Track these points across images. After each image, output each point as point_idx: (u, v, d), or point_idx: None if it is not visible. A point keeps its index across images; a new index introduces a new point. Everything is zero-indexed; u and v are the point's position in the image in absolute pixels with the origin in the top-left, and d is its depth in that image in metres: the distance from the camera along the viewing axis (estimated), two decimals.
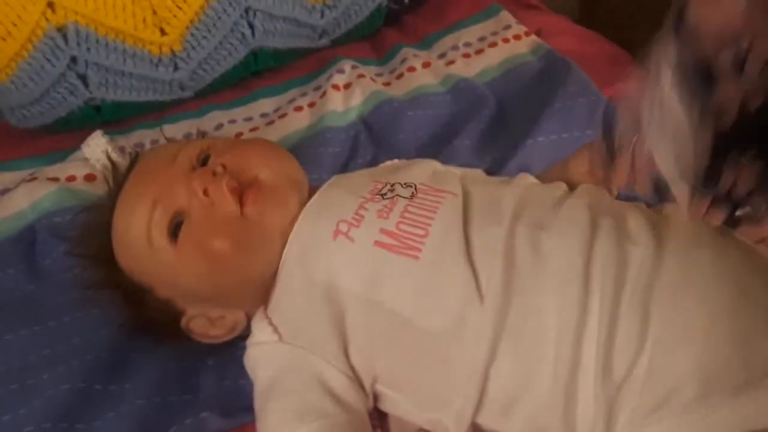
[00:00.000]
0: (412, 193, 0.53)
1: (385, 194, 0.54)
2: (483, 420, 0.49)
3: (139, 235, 0.55)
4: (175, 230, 0.54)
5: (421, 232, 0.50)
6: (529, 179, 0.57)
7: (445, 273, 0.48)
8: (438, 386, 0.49)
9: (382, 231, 0.50)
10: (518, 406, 0.47)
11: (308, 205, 0.55)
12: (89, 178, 0.77)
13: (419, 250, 0.49)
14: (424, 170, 0.59)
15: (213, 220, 0.53)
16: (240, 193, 0.54)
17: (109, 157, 0.74)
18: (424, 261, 0.49)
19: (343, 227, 0.51)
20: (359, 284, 0.50)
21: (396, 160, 0.68)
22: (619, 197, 0.56)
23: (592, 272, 0.46)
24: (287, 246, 0.53)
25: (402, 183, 0.55)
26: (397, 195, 0.53)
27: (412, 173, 0.58)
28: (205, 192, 0.53)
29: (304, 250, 0.52)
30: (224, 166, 0.55)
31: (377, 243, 0.50)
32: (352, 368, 0.51)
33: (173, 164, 0.57)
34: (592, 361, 0.45)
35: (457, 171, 0.65)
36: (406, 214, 0.51)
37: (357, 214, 0.52)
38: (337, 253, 0.51)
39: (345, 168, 0.79)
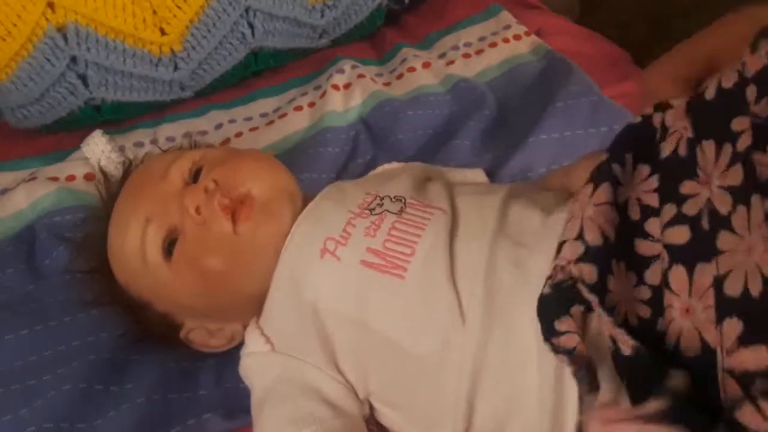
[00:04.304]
0: (401, 208, 0.53)
1: (374, 209, 0.53)
2: None
3: (133, 253, 0.55)
4: (169, 247, 0.54)
5: (408, 251, 0.49)
6: (520, 189, 0.56)
7: (430, 294, 0.48)
8: (428, 408, 0.49)
9: (369, 250, 0.50)
10: (509, 426, 0.46)
11: (297, 222, 0.54)
12: (89, 177, 0.77)
13: (405, 269, 0.49)
14: (416, 180, 0.58)
15: (206, 238, 0.53)
16: (232, 210, 0.53)
17: (100, 168, 0.74)
18: (410, 281, 0.48)
19: (330, 245, 0.51)
20: (346, 305, 0.49)
21: (394, 163, 0.68)
22: None
23: None
24: (278, 264, 0.53)
25: (392, 197, 0.54)
26: (386, 210, 0.53)
27: (402, 183, 0.57)
28: (197, 210, 0.53)
29: (292, 268, 0.52)
30: (216, 182, 0.55)
31: (363, 262, 0.49)
32: (345, 378, 0.51)
33: (165, 179, 0.57)
34: (576, 385, 0.43)
35: (454, 174, 0.65)
36: (393, 232, 0.51)
37: (344, 231, 0.51)
38: (324, 272, 0.50)
39: (345, 168, 0.79)
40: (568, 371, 0.43)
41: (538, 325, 0.44)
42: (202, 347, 0.58)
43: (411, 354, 0.48)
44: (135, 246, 0.55)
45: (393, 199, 0.54)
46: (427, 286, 0.48)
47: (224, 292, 0.54)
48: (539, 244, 0.48)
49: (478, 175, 0.69)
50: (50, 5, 0.78)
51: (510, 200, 0.53)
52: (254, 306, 0.54)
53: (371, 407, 0.53)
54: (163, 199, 0.55)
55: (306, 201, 0.57)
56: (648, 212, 0.44)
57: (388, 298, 0.49)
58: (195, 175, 0.57)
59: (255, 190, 0.55)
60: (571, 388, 0.44)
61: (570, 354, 0.42)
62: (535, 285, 0.46)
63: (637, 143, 0.46)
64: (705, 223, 0.39)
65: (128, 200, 0.58)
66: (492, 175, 0.71)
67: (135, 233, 0.55)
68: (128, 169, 0.65)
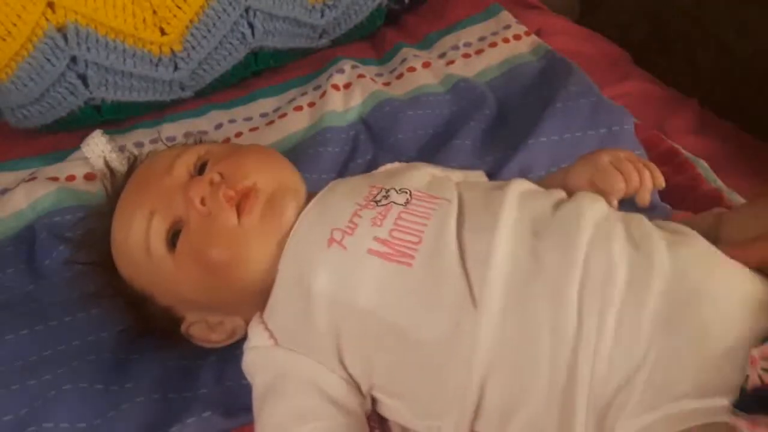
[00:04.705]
0: (407, 199, 0.53)
1: (380, 201, 0.53)
2: (482, 428, 0.48)
3: (137, 245, 0.55)
4: (173, 239, 0.54)
5: (415, 239, 0.50)
6: (526, 184, 0.56)
7: (439, 280, 0.48)
8: (434, 396, 0.49)
9: (376, 239, 0.50)
10: (516, 415, 0.47)
11: (304, 212, 0.54)
12: (89, 177, 0.77)
13: (412, 257, 0.49)
14: (421, 176, 0.58)
15: (210, 230, 0.53)
16: (237, 203, 0.53)
17: (107, 164, 0.74)
18: (418, 268, 0.49)
19: (337, 235, 0.51)
20: (353, 294, 0.49)
21: (396, 163, 0.68)
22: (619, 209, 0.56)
23: (588, 282, 0.46)
24: (283, 255, 0.53)
25: (397, 189, 0.54)
26: (392, 202, 0.53)
27: (408, 179, 0.57)
28: (202, 201, 0.53)
29: (299, 259, 0.52)
30: (221, 175, 0.55)
31: (371, 251, 0.50)
32: (348, 373, 0.51)
33: (170, 173, 0.56)
34: (587, 375, 0.44)
35: (456, 174, 0.65)
36: (400, 222, 0.51)
37: (351, 221, 0.51)
38: (331, 261, 0.50)
39: (345, 168, 0.79)
40: (581, 363, 0.44)
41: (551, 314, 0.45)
42: (202, 342, 0.58)
43: (419, 340, 0.48)
44: (139, 238, 0.55)
45: (398, 191, 0.54)
46: (437, 272, 0.48)
47: (227, 285, 0.54)
48: (551, 235, 0.49)
49: (479, 177, 0.69)
50: (50, 5, 0.78)
51: (516, 192, 0.53)
52: (257, 299, 0.54)
53: (373, 401, 0.53)
54: (168, 192, 0.55)
55: (309, 198, 0.57)
56: None
57: (396, 286, 0.49)
58: (200, 169, 0.57)
59: (260, 184, 0.55)
60: (582, 383, 0.44)
61: None
62: (548, 274, 0.46)
63: None
64: None
65: (133, 194, 0.58)
66: (492, 176, 0.70)
67: (139, 225, 0.55)
68: (133, 164, 0.65)
